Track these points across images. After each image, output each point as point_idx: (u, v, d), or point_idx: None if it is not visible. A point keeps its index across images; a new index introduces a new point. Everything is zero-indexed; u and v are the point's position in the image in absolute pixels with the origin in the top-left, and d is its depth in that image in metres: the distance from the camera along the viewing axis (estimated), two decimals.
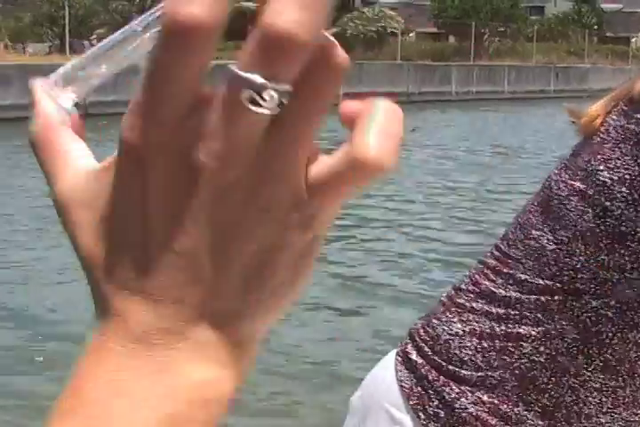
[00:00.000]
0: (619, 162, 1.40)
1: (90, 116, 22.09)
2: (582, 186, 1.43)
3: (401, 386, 1.60)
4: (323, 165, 0.39)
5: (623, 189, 1.39)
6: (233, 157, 0.37)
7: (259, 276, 0.40)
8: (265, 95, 0.36)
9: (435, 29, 47.15)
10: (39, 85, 0.42)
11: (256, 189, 0.38)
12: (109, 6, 36.36)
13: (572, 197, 1.43)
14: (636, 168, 1.39)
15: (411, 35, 44.90)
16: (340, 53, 0.38)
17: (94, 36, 35.68)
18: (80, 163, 0.41)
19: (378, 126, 0.38)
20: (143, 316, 0.39)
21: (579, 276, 1.43)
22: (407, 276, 7.72)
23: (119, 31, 0.41)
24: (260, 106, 0.36)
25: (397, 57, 35.21)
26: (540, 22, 49.15)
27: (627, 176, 1.39)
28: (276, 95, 0.36)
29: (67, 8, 29.10)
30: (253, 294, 0.40)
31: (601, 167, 1.41)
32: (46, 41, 34.01)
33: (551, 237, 1.45)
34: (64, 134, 0.42)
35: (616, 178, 1.40)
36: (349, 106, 0.39)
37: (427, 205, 11.31)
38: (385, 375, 1.65)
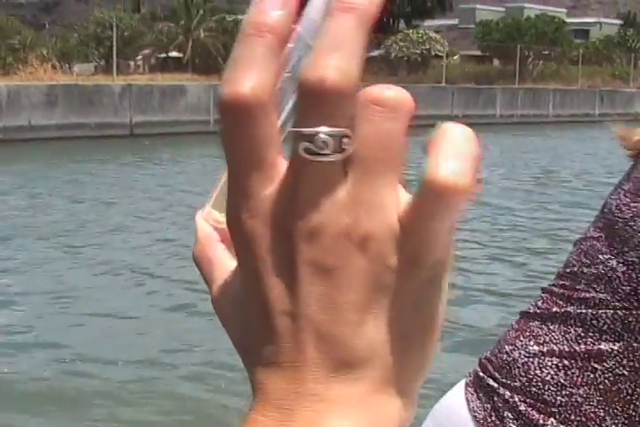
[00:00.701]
0: None
1: (134, 137, 22.26)
2: None
3: (474, 416, 1.59)
4: (407, 200, 0.39)
5: None
6: (314, 207, 0.38)
7: (377, 322, 0.39)
8: (317, 142, 0.37)
9: (479, 52, 47.09)
10: (198, 215, 0.46)
11: (349, 227, 0.38)
12: (155, 27, 36.75)
13: (637, 219, 1.46)
14: None
15: (455, 57, 44.83)
16: (374, 90, 0.38)
17: (140, 57, 36.08)
18: (229, 267, 0.44)
19: (446, 148, 0.38)
20: (278, 383, 0.39)
21: None
22: None
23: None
24: (318, 154, 0.37)
25: (442, 80, 35.17)
26: (584, 46, 48.87)
27: None
28: (330, 140, 0.37)
29: (114, 29, 29.41)
30: (378, 342, 0.39)
31: None
32: (92, 61, 34.37)
33: (621, 260, 1.46)
34: (218, 248, 0.45)
35: None
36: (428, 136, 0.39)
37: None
38: (455, 406, 1.64)
